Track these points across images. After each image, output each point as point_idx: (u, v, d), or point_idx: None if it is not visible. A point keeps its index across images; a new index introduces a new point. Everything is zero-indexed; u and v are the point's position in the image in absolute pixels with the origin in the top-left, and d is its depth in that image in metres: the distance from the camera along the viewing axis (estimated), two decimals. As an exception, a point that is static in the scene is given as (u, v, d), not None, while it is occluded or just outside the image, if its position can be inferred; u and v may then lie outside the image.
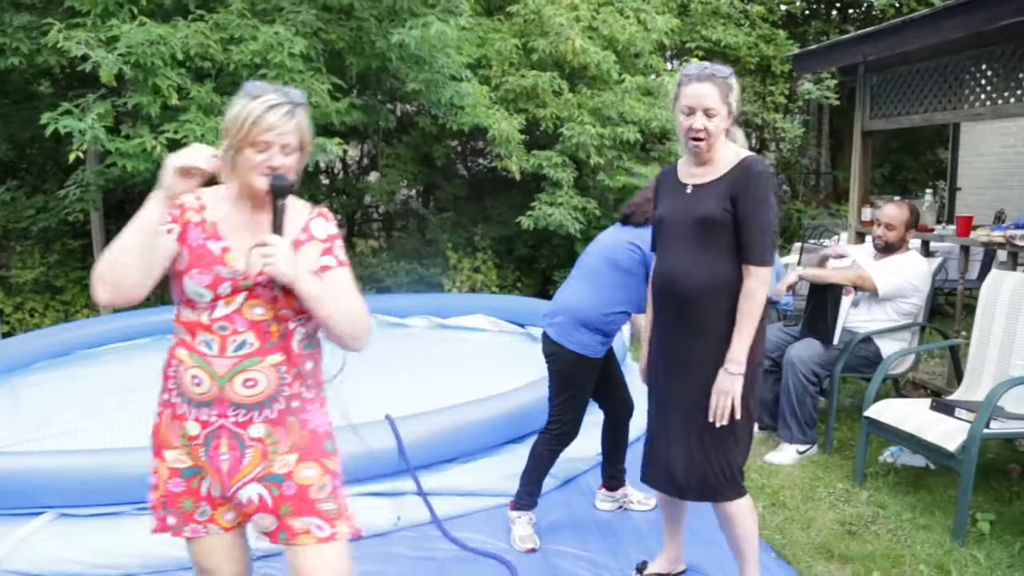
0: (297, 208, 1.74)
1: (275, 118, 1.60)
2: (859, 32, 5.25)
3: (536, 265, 8.19)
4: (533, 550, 2.89)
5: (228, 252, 1.66)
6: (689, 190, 2.29)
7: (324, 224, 1.76)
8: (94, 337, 5.76)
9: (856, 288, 3.92)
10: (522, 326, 6.40)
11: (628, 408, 3.14)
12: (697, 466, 2.28)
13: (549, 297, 7.28)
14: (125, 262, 1.57)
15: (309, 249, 1.72)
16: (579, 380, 2.88)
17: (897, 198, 5.23)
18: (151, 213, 1.59)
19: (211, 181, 1.69)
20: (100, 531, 2.80)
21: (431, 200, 9.62)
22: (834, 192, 11.55)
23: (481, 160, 9.49)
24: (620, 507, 3.24)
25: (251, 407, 1.66)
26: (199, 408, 1.66)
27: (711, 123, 2.18)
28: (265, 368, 1.66)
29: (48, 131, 4.90)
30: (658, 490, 2.49)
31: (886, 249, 4.00)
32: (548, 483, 3.13)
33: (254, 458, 1.68)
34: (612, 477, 3.24)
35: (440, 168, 8.63)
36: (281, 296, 1.65)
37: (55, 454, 3.26)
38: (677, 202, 2.30)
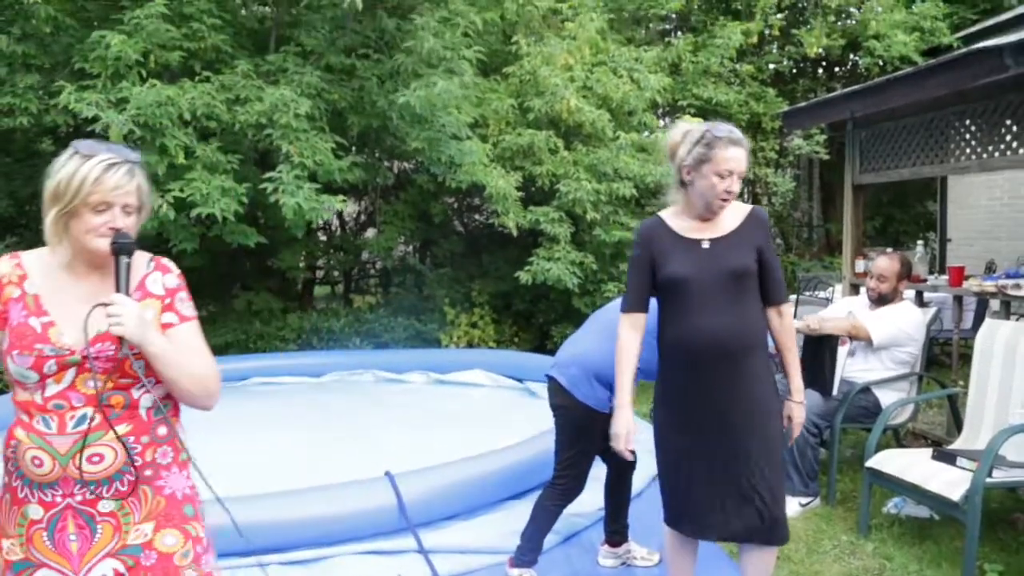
0: (135, 263, 1.66)
1: (117, 178, 1.55)
2: (846, 90, 5.40)
3: (533, 320, 8.21)
4: (536, 608, 2.84)
5: (52, 327, 1.55)
6: (706, 245, 2.29)
7: (162, 278, 1.67)
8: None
9: (851, 338, 3.95)
10: (520, 381, 6.38)
11: (632, 462, 3.11)
12: (770, 507, 2.25)
13: (547, 352, 7.30)
14: None
15: (144, 308, 1.62)
16: (587, 435, 2.86)
17: (889, 250, 5.30)
18: None
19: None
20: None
21: (428, 256, 9.70)
22: (827, 244, 11.68)
23: (478, 216, 9.61)
24: (624, 563, 3.19)
25: (99, 483, 1.56)
26: (42, 490, 1.55)
27: (737, 185, 2.26)
28: (110, 441, 1.55)
29: None
30: (721, 539, 2.42)
31: (880, 300, 4.06)
32: (549, 539, 3.09)
33: (105, 533, 1.57)
34: (615, 532, 3.20)
35: (437, 224, 8.73)
36: (118, 366, 1.55)
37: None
38: (695, 259, 2.27)
